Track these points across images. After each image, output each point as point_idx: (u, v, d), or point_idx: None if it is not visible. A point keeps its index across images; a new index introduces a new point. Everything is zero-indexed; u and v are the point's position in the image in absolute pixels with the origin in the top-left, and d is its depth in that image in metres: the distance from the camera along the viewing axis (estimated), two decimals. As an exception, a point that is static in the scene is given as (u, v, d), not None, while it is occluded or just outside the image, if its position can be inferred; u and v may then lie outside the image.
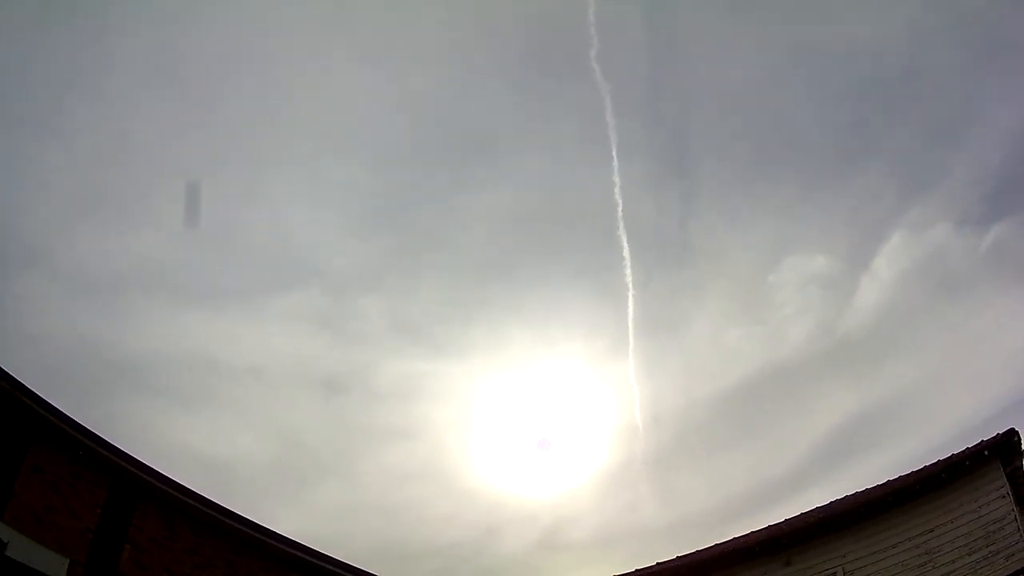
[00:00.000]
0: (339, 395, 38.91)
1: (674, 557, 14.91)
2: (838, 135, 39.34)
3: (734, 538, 14.78)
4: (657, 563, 14.96)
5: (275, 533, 14.05)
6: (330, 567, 14.61)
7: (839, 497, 14.32)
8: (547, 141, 38.53)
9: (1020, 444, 13.89)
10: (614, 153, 30.09)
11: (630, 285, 31.64)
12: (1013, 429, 13.63)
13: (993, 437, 13.66)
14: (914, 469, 14.05)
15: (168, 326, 31.73)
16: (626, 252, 30.68)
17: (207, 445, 32.70)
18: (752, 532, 14.62)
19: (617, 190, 29.48)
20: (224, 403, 35.03)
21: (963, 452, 13.76)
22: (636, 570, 14.99)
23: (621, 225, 30.33)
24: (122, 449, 12.20)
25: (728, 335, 41.02)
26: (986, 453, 13.60)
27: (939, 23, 34.19)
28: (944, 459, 13.88)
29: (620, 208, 29.75)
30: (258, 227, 34.71)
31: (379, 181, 36.77)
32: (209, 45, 30.07)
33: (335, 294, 38.24)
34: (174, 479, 12.88)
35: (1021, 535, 12.81)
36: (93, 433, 11.78)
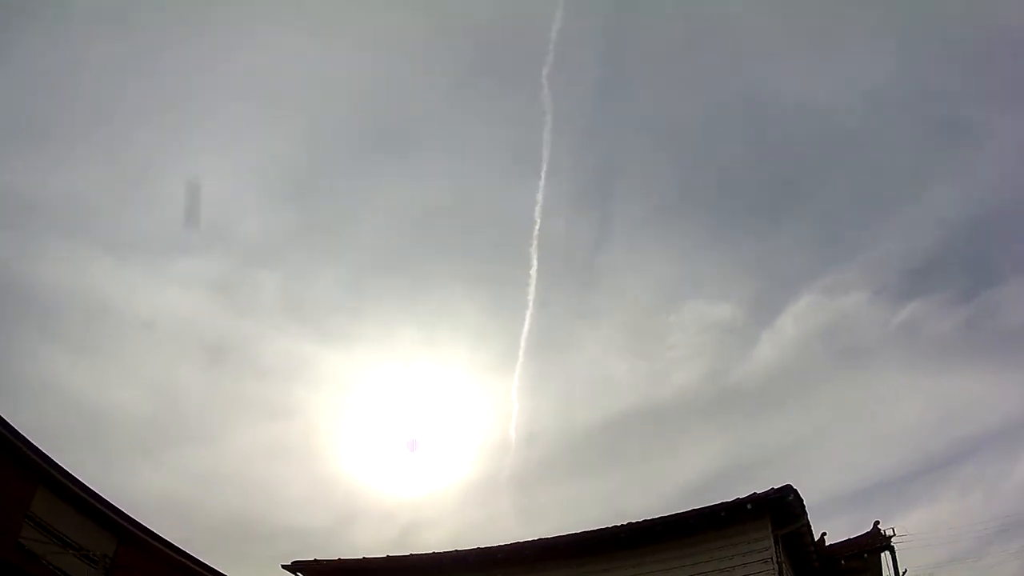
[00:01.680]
0: (222, 363, 38.27)
1: (409, 554, 13.27)
2: (768, 188, 38.11)
3: (444, 551, 12.91)
4: (387, 556, 13.38)
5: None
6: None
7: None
8: (478, 144, 36.89)
9: (798, 507, 11.21)
10: (543, 171, 29.37)
11: (531, 303, 31.09)
12: (789, 486, 10.93)
13: (765, 492, 11.01)
14: (663, 515, 11.59)
15: (72, 265, 30.96)
16: (534, 270, 29.71)
17: (84, 390, 32.05)
18: (469, 549, 12.70)
19: (539, 208, 29.07)
20: (109, 352, 34.52)
21: (722, 505, 11.20)
22: (363, 557, 13.51)
23: (535, 243, 29.03)
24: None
25: (616, 366, 40.46)
26: (749, 507, 11.00)
27: (898, 96, 33.39)
28: (698, 509, 11.36)
29: (538, 226, 28.97)
30: (178, 184, 33.36)
31: (301, 157, 34.87)
32: None
33: (236, 262, 36.95)
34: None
35: None
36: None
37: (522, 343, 33.06)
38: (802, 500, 11.21)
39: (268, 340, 37.34)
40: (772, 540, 11.11)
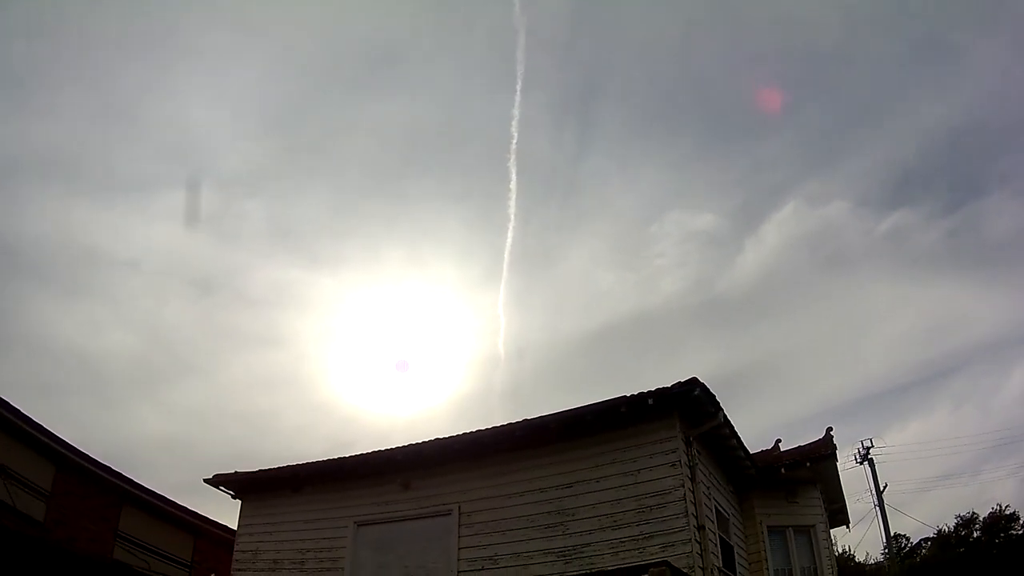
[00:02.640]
0: (211, 296, 38.39)
1: (302, 462, 12.52)
2: (749, 97, 36.08)
3: (359, 454, 12.10)
4: (286, 465, 12.66)
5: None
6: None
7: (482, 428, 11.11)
8: (455, 63, 36.25)
9: (710, 403, 10.04)
10: (518, 86, 29.27)
11: (512, 217, 31.10)
12: (694, 379, 9.75)
13: (669, 387, 9.84)
14: (559, 411, 10.52)
15: (57, 215, 30.96)
16: (513, 184, 29.51)
17: (80, 337, 33.04)
18: (375, 451, 11.88)
19: (515, 123, 28.99)
20: (100, 295, 34.99)
21: (622, 399, 10.07)
22: (261, 469, 12.83)
23: (513, 157, 28.70)
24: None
25: (602, 277, 41.02)
26: (651, 402, 9.87)
27: (877, 12, 32.56)
28: (595, 404, 10.25)
29: (515, 141, 28.81)
30: (159, 119, 32.58)
31: (280, 84, 34.04)
32: None
33: (220, 194, 36.36)
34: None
35: (689, 519, 9.42)
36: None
37: (506, 257, 32.87)
38: (713, 396, 10.03)
39: (255, 269, 37.34)
40: (682, 440, 9.99)
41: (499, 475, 10.93)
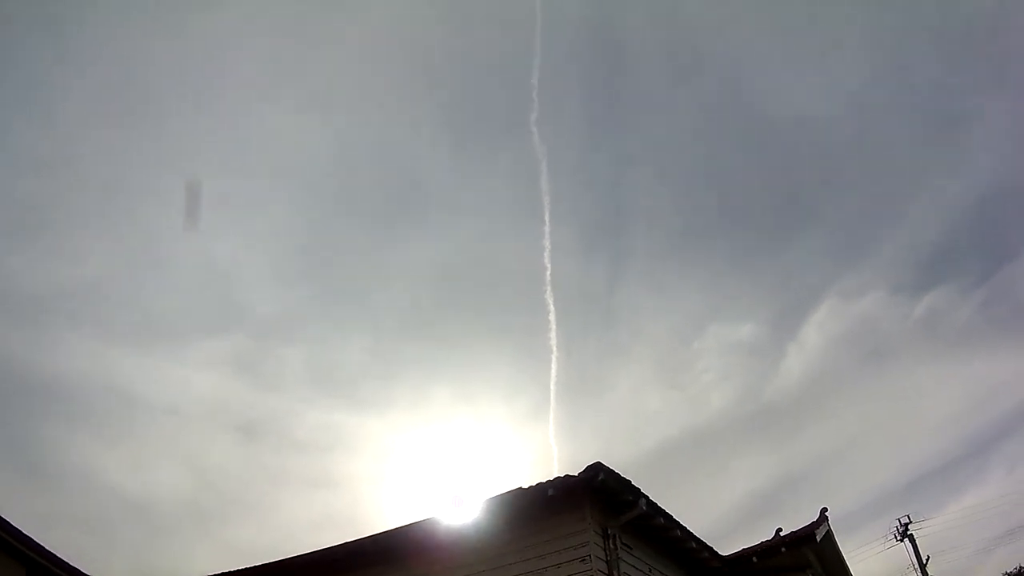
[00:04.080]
0: (256, 440, 38.48)
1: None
2: (775, 204, 37.63)
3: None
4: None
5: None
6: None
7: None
8: (480, 200, 37.05)
9: (623, 489, 9.05)
10: (546, 217, 29.47)
11: (554, 348, 30.35)
12: (598, 464, 8.80)
13: (572, 475, 8.96)
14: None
15: (91, 356, 31.49)
16: (552, 315, 28.98)
17: (123, 478, 32.98)
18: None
19: (547, 254, 28.64)
20: (141, 438, 34.84)
21: (524, 489, 9.23)
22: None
23: (549, 288, 28.59)
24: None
25: (648, 399, 41.25)
26: (551, 493, 8.97)
27: (887, 96, 33.36)
28: (504, 494, 9.43)
29: (549, 271, 28.57)
30: (193, 265, 33.76)
31: (310, 228, 35.41)
32: (160, 74, 28.73)
33: (257, 339, 37.33)
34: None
35: None
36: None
37: (552, 388, 32.59)
38: (627, 482, 8.99)
39: (298, 413, 37.35)
40: (597, 533, 9.00)
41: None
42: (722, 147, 36.14)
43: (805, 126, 34.14)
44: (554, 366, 31.98)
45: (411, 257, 36.53)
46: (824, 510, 12.93)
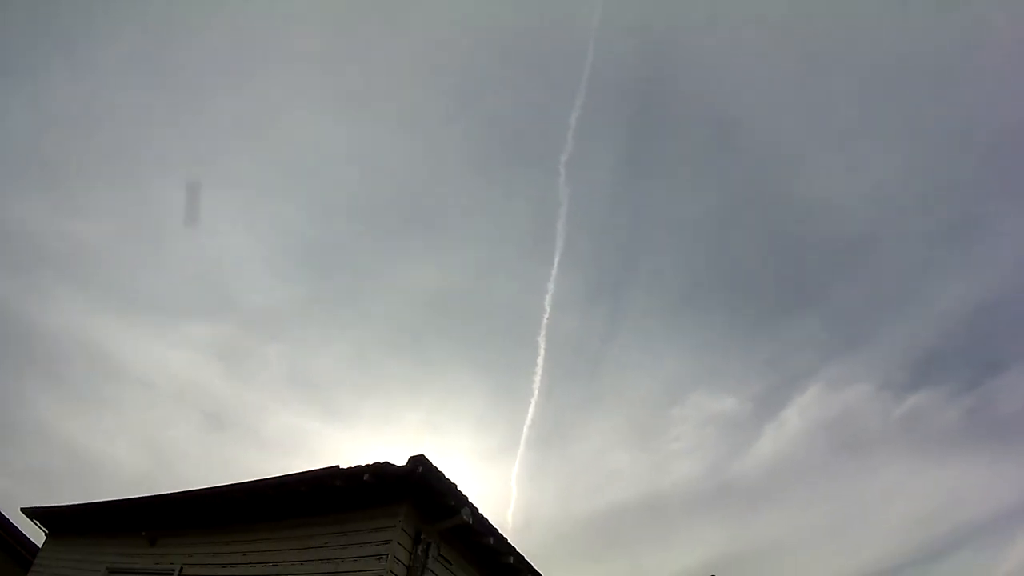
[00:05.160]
0: (222, 429, 37.51)
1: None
2: (779, 283, 37.39)
3: (106, 501, 10.83)
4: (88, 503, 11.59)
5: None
6: None
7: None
8: (493, 229, 36.13)
9: (445, 490, 8.05)
10: (556, 260, 28.80)
11: (535, 391, 30.15)
12: (421, 456, 7.84)
13: (396, 464, 8.01)
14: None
15: (79, 315, 31.50)
16: (540, 359, 29.08)
17: (83, 438, 33.07)
18: (124, 498, 10.57)
19: (549, 297, 28.51)
20: (110, 405, 34.50)
21: (339, 471, 8.30)
22: (69, 504, 11.82)
23: (543, 332, 28.45)
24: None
25: (617, 458, 39.94)
26: (366, 478, 8.03)
27: (910, 192, 33.05)
28: (316, 471, 8.51)
29: (547, 315, 28.41)
30: (191, 246, 33.18)
31: (314, 229, 34.73)
32: (200, 58, 28.54)
33: (243, 331, 36.44)
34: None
35: None
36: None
37: (524, 431, 32.20)
38: (452, 486, 8.01)
39: (269, 411, 36.87)
40: (405, 533, 8.01)
41: (221, 542, 9.33)
42: (739, 220, 35.70)
43: (826, 211, 33.62)
44: (532, 409, 31.27)
45: (410, 274, 35.77)
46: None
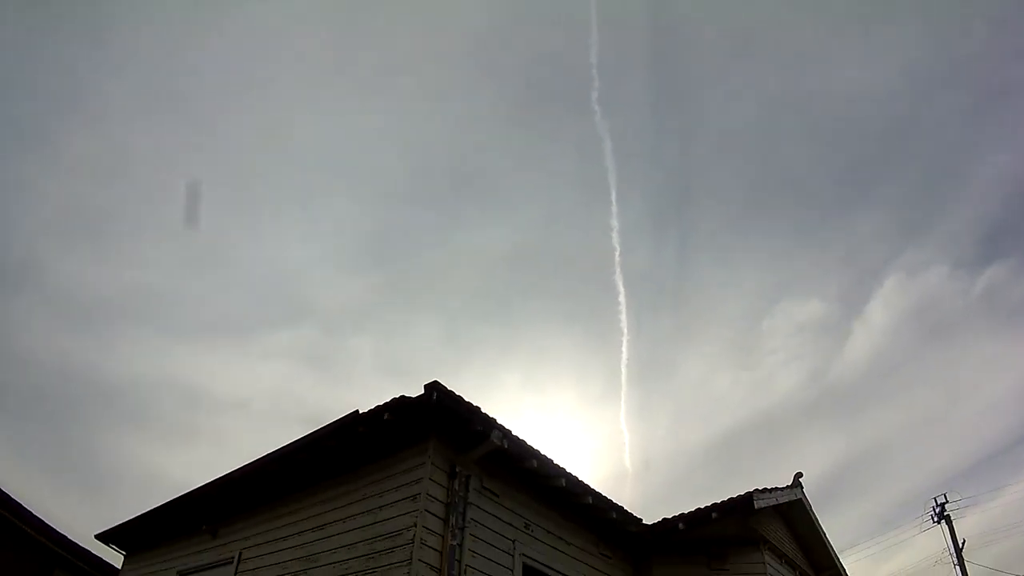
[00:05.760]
0: None
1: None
2: (834, 179, 36.86)
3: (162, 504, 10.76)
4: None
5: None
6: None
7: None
8: (545, 182, 35.89)
9: (470, 416, 7.57)
10: (613, 197, 28.33)
11: (624, 330, 29.76)
12: (435, 383, 7.40)
13: (415, 397, 7.59)
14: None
15: (155, 356, 31.96)
16: (622, 297, 28.65)
17: (187, 473, 33.96)
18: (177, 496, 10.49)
19: (615, 234, 27.82)
20: (207, 435, 35.10)
21: (355, 415, 7.92)
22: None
23: (618, 269, 28.00)
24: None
25: (719, 381, 40.09)
26: (387, 417, 7.62)
27: (937, 69, 32.50)
28: (336, 422, 8.14)
29: (618, 253, 27.73)
30: (254, 261, 33.73)
31: (373, 218, 35.00)
32: (211, 70, 28.59)
33: (325, 332, 37.12)
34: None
35: (414, 568, 7.03)
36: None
37: (623, 371, 31.81)
38: (475, 409, 7.52)
39: (369, 405, 37.47)
40: (438, 468, 7.57)
41: (271, 519, 9.13)
42: (781, 125, 34.48)
43: (860, 100, 32.22)
44: (625, 348, 30.74)
45: (477, 242, 35.87)
46: (798, 475, 10.74)
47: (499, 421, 7.70)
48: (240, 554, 9.32)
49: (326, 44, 30.41)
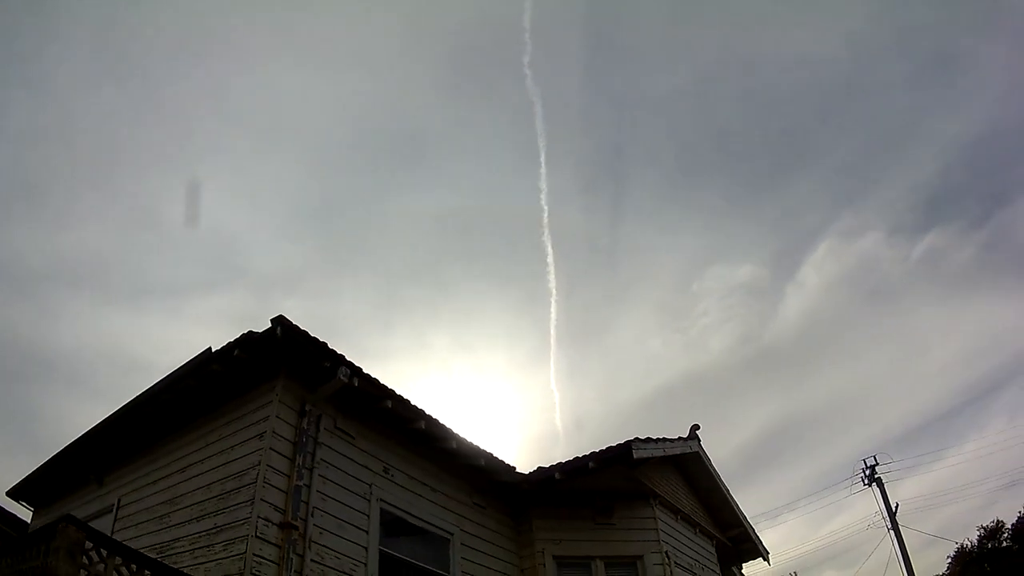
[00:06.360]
0: None
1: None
2: (771, 144, 36.11)
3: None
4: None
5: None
6: None
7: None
8: (476, 146, 36.11)
9: (312, 348, 7.51)
10: (542, 159, 28.62)
11: (553, 291, 30.19)
12: (280, 317, 7.33)
13: (260, 332, 7.53)
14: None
15: (91, 322, 32.34)
16: (550, 258, 29.08)
17: None
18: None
19: (543, 196, 27.87)
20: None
21: (208, 352, 7.87)
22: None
23: (546, 231, 28.52)
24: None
25: (651, 342, 41.63)
26: (237, 353, 7.57)
27: (882, 36, 32.30)
28: (192, 360, 8.07)
29: (546, 214, 27.83)
30: (197, 228, 32.74)
31: (310, 182, 35.05)
32: (150, 36, 28.21)
33: (259, 295, 37.16)
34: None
35: (256, 508, 6.98)
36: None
37: (552, 332, 32.05)
38: (317, 341, 7.46)
39: None
40: (285, 405, 7.53)
41: (146, 463, 9.12)
42: (718, 87, 34.36)
43: (801, 66, 32.37)
44: (554, 309, 30.91)
45: (410, 205, 36.02)
46: (695, 427, 10.61)
47: (348, 359, 7.63)
48: (119, 500, 9.29)
49: (263, 10, 30.42)
